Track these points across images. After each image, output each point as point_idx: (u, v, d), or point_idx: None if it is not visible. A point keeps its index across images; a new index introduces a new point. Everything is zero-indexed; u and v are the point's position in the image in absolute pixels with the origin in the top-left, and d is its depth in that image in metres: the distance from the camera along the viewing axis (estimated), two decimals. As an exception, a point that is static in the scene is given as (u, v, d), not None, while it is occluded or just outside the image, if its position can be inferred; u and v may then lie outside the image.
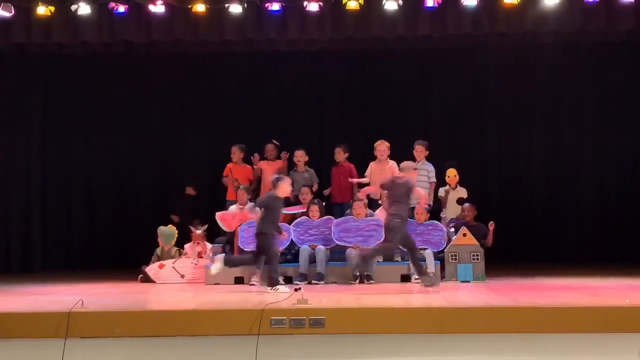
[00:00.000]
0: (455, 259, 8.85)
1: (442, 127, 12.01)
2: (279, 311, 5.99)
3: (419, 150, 10.03)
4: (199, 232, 9.74)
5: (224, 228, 9.59)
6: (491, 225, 9.26)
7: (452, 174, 9.93)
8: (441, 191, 9.94)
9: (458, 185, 9.93)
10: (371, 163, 10.06)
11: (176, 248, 9.88)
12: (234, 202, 9.88)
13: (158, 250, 9.89)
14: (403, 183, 8.11)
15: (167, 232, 9.93)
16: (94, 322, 6.04)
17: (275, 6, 9.48)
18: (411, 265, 8.55)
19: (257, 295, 7.28)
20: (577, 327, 5.91)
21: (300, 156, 10.25)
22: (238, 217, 9.51)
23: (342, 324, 5.97)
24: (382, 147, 9.93)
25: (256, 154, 10.35)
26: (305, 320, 5.91)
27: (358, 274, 8.73)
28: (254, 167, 10.35)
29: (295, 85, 12.12)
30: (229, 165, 10.44)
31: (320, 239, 9.08)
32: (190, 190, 11.17)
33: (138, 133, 12.22)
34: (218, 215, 9.66)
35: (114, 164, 12.25)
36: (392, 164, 9.84)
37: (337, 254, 9.03)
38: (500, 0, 9.33)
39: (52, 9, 9.45)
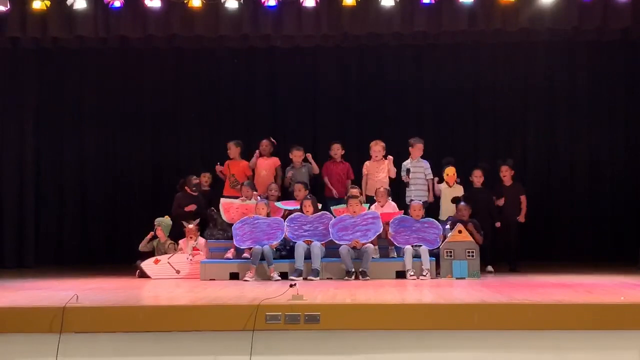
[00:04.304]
0: (451, 256, 8.85)
1: (436, 124, 12.00)
2: (274, 307, 6.00)
3: (417, 147, 10.03)
4: (191, 226, 9.73)
5: (224, 217, 9.59)
6: (470, 226, 9.30)
7: (451, 172, 9.94)
8: (438, 187, 9.98)
9: (455, 183, 9.95)
10: (366, 162, 10.11)
11: (171, 241, 9.88)
12: (231, 198, 9.88)
13: (155, 242, 9.89)
14: None
15: (167, 222, 9.95)
16: (89, 317, 6.04)
17: (272, 2, 9.48)
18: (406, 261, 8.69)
19: (252, 291, 7.28)
20: (571, 324, 5.93)
21: (299, 155, 10.25)
22: (241, 209, 9.52)
23: (337, 320, 5.98)
24: (377, 147, 10.00)
25: (257, 152, 10.34)
26: (300, 316, 5.92)
27: (353, 270, 8.75)
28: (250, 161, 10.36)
29: (290, 81, 12.09)
30: (227, 161, 10.44)
31: (314, 235, 9.08)
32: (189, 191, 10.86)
33: (132, 128, 12.17)
34: (222, 202, 9.67)
35: (107, 158, 12.19)
36: (388, 161, 9.90)
37: (332, 250, 9.02)
38: (496, -3, 9.36)
39: (48, 3, 9.43)
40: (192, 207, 10.24)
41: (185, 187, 10.43)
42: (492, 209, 9.95)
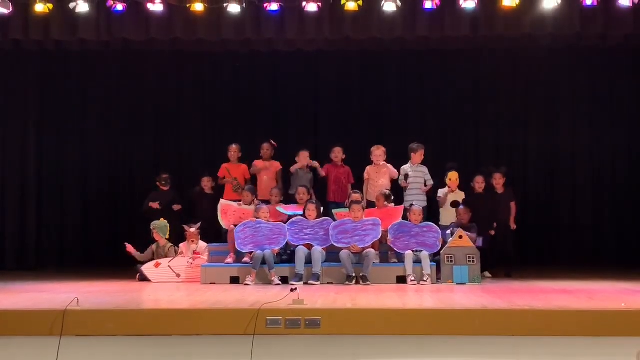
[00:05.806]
0: (452, 261, 8.85)
1: (438, 129, 12.01)
2: (275, 311, 5.99)
3: (419, 153, 10.04)
4: (192, 230, 9.73)
5: (221, 221, 9.58)
6: (474, 230, 9.31)
7: (454, 177, 9.91)
8: (441, 192, 9.95)
9: (457, 189, 9.94)
10: (368, 167, 10.10)
11: (171, 245, 9.87)
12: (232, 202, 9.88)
13: (154, 246, 9.88)
14: None
15: (162, 224, 9.94)
16: (89, 320, 6.04)
17: (274, 6, 9.48)
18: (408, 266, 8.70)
19: (252, 295, 7.27)
20: (572, 330, 5.92)
21: (306, 156, 10.22)
22: (238, 214, 9.51)
23: (337, 324, 5.97)
24: (378, 152, 10.01)
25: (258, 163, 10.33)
26: (301, 321, 5.91)
27: (353, 274, 8.74)
28: (252, 165, 10.34)
29: (292, 84, 12.11)
30: (225, 165, 10.42)
31: (315, 239, 9.06)
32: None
33: (134, 130, 12.19)
34: (221, 203, 9.66)
35: (109, 161, 12.22)
36: (389, 167, 9.90)
37: (333, 254, 9.02)
38: (498, 3, 9.33)
39: (50, 6, 9.44)
40: (155, 205, 10.52)
41: (157, 183, 10.71)
42: (492, 215, 9.93)
